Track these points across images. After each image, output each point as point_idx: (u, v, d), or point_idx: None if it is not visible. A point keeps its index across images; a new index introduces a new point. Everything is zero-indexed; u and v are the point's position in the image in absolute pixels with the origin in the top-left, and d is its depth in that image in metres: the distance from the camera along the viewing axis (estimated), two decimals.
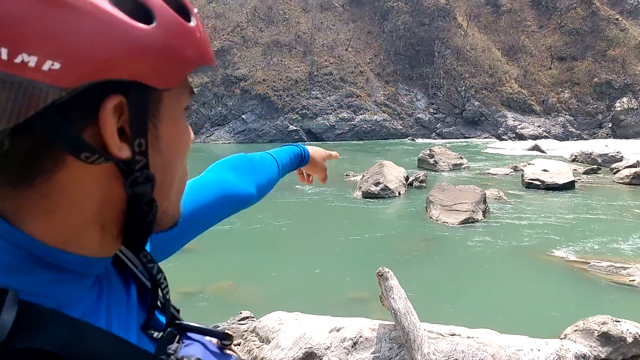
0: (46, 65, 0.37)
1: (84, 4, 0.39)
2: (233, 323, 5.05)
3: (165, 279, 0.59)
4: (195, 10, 0.51)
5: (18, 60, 0.37)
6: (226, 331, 0.65)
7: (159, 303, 0.60)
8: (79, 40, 0.39)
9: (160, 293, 0.59)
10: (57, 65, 0.38)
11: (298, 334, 3.89)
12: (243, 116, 41.66)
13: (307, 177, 1.36)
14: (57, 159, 0.43)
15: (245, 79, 43.20)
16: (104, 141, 0.43)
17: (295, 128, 40.93)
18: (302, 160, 1.25)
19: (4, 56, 0.36)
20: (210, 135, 40.92)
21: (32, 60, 0.37)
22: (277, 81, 43.29)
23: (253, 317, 5.31)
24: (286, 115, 41.63)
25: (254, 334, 4.25)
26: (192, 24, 0.49)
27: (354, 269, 8.08)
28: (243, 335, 4.58)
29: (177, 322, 0.61)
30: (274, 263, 8.49)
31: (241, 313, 5.50)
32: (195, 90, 0.56)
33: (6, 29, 0.37)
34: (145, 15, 0.44)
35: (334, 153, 1.39)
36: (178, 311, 0.63)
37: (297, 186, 15.44)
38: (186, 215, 0.64)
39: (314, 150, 1.30)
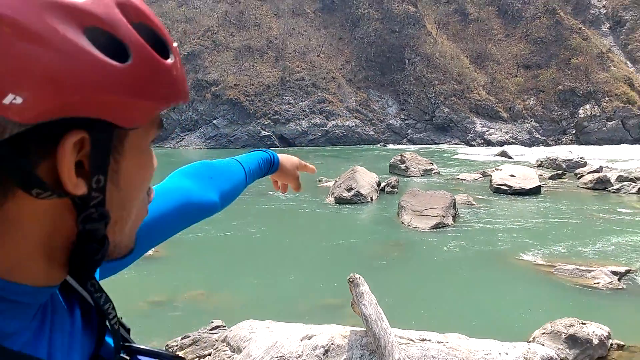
0: (7, 99, 0.36)
1: (56, 39, 0.38)
2: (204, 332, 4.97)
3: (113, 308, 0.57)
4: (175, 44, 0.50)
5: None
6: (177, 354, 0.65)
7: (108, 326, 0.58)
8: (46, 75, 0.37)
9: (107, 323, 0.57)
10: (19, 100, 0.36)
11: (269, 342, 3.85)
12: (214, 121, 41.32)
13: (282, 185, 1.32)
14: (7, 190, 0.40)
15: (217, 83, 42.90)
16: (60, 179, 0.41)
17: (267, 133, 40.81)
18: (272, 166, 1.22)
19: None
20: (181, 141, 40.43)
21: None
22: (249, 86, 43.13)
23: (225, 326, 5.24)
24: (258, 121, 41.47)
25: (225, 344, 4.19)
26: (170, 60, 0.47)
27: (326, 275, 8.08)
28: (214, 345, 4.52)
29: (127, 344, 0.59)
30: (246, 270, 8.41)
31: (212, 322, 5.42)
32: (163, 123, 0.54)
33: None
34: (121, 52, 0.42)
35: (310, 166, 1.36)
36: (129, 331, 0.62)
37: (270, 192, 15.37)
38: (141, 227, 0.62)
39: (286, 158, 1.27)
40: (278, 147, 40.48)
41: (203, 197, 0.95)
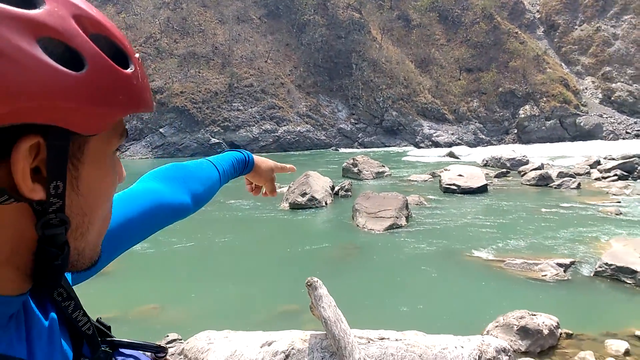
0: None
1: (7, 46, 0.38)
2: None
3: (83, 314, 0.57)
4: (137, 55, 0.51)
5: None
6: (159, 344, 0.66)
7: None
8: None
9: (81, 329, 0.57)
10: None
11: (228, 352, 3.76)
12: (161, 130, 40.31)
13: (254, 187, 1.30)
14: None
15: (162, 91, 41.90)
16: (14, 184, 0.42)
17: (217, 141, 40.23)
18: (247, 165, 1.21)
19: None
20: (125, 151, 39.12)
21: None
22: (196, 93, 42.40)
23: (181, 339, 5.08)
24: (207, 128, 40.82)
25: (182, 356, 4.06)
26: (130, 70, 0.48)
27: (284, 282, 8.01)
28: (170, 358, 4.37)
29: (109, 339, 0.61)
30: (200, 282, 8.21)
31: (168, 336, 5.25)
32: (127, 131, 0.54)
33: None
34: (76, 61, 0.43)
35: (289, 166, 1.34)
36: (109, 328, 0.63)
37: (220, 200, 15.13)
38: (110, 231, 0.61)
39: (262, 160, 1.26)
40: None
41: (174, 199, 0.94)
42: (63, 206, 0.46)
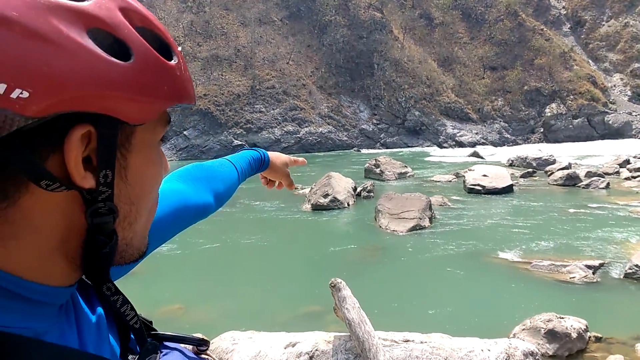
0: (15, 93, 0.38)
1: (60, 37, 0.40)
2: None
3: (131, 309, 0.58)
4: (180, 48, 0.53)
5: None
6: (202, 337, 0.68)
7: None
8: (51, 72, 0.40)
9: (127, 324, 0.58)
10: (25, 94, 0.38)
11: (253, 352, 3.78)
12: (185, 132, 40.84)
13: (269, 182, 1.34)
14: (21, 184, 0.43)
15: None
16: (67, 171, 0.43)
17: (240, 143, 40.56)
18: (262, 163, 1.24)
19: None
20: None
21: (0, 88, 0.38)
22: (219, 96, 42.83)
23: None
24: (230, 130, 41.21)
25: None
26: (173, 62, 0.50)
27: (307, 283, 8.03)
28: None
29: (153, 332, 0.63)
30: (225, 283, 8.29)
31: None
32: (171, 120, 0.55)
33: None
34: (123, 52, 0.45)
35: (300, 159, 1.39)
36: (151, 322, 0.64)
37: (242, 200, 15.25)
38: None
39: (276, 155, 1.30)
40: None
41: (198, 199, 0.97)
42: (112, 195, 0.47)
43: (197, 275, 8.92)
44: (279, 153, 1.31)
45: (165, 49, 0.50)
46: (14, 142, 0.40)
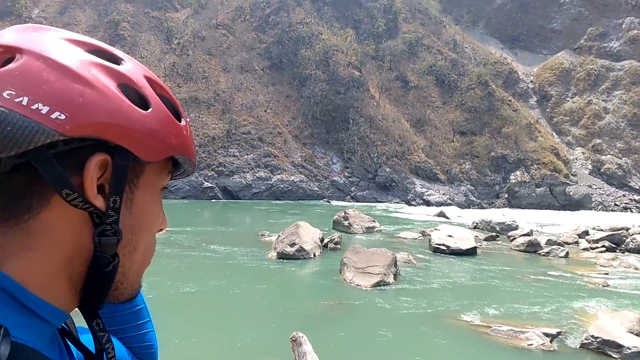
0: (54, 115, 0.49)
1: (96, 81, 0.53)
2: None
3: (113, 348, 0.63)
4: (188, 119, 0.66)
5: (34, 107, 0.49)
6: None
7: None
8: (85, 104, 0.51)
9: None
10: (62, 117, 0.49)
11: None
12: None
13: None
14: (43, 198, 0.51)
15: None
16: (83, 189, 0.52)
17: (210, 185, 40.28)
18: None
19: (24, 102, 0.48)
20: None
21: (44, 109, 0.49)
22: (194, 137, 42.66)
23: None
24: (201, 172, 40.96)
25: None
26: (182, 123, 0.62)
27: (267, 334, 7.86)
28: None
29: None
30: (182, 330, 8.02)
31: None
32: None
33: (31, 85, 0.49)
34: (143, 104, 0.57)
35: None
36: None
37: (205, 244, 15.00)
38: None
39: None
40: (221, 199, 39.90)
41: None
42: (118, 220, 0.55)
43: (155, 321, 8.60)
44: None
45: (176, 113, 0.62)
46: (47, 155, 0.49)
